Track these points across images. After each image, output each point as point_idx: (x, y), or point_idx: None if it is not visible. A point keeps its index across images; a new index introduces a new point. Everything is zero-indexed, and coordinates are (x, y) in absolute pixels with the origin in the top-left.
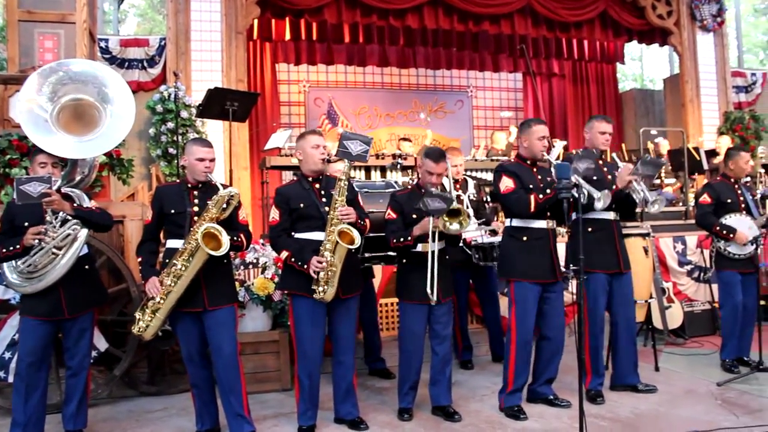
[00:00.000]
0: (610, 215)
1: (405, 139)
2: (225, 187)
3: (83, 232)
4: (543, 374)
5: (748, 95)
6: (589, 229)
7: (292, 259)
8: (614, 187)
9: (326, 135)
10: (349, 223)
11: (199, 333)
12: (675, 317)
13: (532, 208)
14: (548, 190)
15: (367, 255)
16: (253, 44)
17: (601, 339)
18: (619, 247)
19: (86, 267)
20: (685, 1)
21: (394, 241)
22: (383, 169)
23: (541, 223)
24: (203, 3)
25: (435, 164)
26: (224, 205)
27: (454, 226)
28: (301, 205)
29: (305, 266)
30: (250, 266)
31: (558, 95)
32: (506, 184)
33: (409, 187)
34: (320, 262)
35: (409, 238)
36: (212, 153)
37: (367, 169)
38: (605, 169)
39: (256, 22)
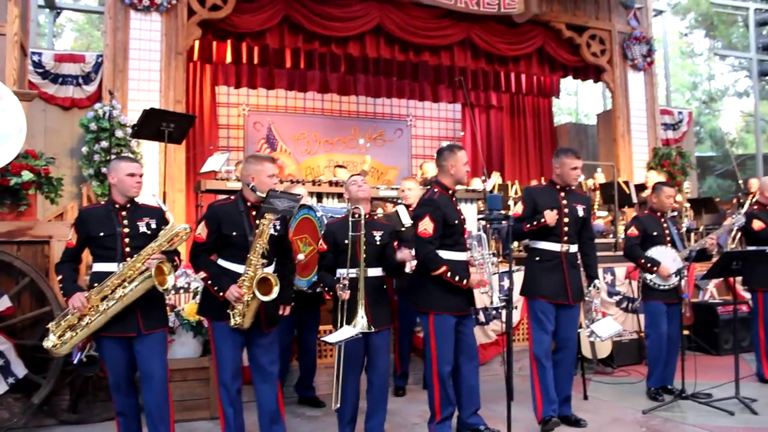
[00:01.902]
0: (557, 246)
1: (341, 166)
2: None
3: None
4: (468, 405)
5: (675, 132)
6: (537, 258)
7: (209, 282)
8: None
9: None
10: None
11: (128, 359)
12: (604, 347)
13: (435, 274)
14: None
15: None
16: (193, 65)
17: (549, 365)
18: (568, 279)
19: None
20: (618, 41)
21: (322, 286)
22: (319, 196)
23: (462, 256)
24: (143, 21)
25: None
26: (172, 239)
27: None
28: (233, 233)
29: (221, 293)
30: (181, 291)
31: (495, 127)
32: (426, 227)
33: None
34: (238, 294)
35: (327, 290)
36: (141, 169)
37: None
38: (566, 211)
39: (197, 43)
